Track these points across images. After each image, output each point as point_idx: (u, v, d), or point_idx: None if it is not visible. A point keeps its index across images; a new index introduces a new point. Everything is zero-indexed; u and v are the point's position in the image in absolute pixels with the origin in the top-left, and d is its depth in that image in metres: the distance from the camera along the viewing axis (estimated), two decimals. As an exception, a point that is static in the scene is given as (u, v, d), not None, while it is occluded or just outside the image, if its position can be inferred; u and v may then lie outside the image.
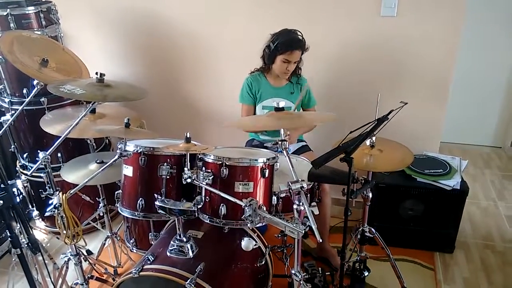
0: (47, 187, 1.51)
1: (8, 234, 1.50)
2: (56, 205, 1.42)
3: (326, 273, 2.05)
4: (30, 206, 2.54)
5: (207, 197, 1.57)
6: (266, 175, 1.55)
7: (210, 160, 1.56)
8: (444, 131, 2.48)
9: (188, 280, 1.39)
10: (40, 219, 2.61)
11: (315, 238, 1.53)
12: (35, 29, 2.18)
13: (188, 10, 2.56)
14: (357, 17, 2.29)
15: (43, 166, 1.49)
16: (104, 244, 2.18)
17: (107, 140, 2.71)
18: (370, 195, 1.82)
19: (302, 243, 2.36)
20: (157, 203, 1.50)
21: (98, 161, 1.97)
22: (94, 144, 2.29)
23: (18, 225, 1.58)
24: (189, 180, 1.51)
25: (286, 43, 2.05)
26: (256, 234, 1.76)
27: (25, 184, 2.44)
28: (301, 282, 1.39)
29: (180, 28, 2.62)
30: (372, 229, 1.92)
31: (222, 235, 1.68)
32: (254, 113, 2.28)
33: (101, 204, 2.08)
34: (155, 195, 1.59)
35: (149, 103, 2.69)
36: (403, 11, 2.21)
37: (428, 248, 2.35)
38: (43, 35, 2.17)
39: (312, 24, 2.32)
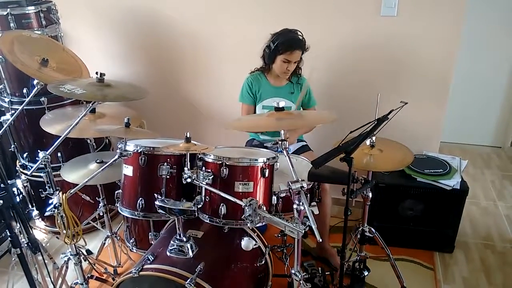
0: (47, 187, 1.51)
1: (8, 234, 1.50)
2: (56, 205, 1.42)
3: (326, 273, 2.06)
4: (30, 206, 2.54)
5: (207, 197, 1.57)
6: (266, 175, 1.55)
7: (210, 160, 1.56)
8: (444, 131, 2.48)
9: (188, 280, 1.39)
10: (40, 219, 2.61)
11: (315, 238, 1.53)
12: (35, 29, 2.18)
13: (189, 10, 2.56)
14: (357, 17, 2.29)
15: (43, 165, 1.49)
16: (104, 243, 2.18)
17: (107, 140, 2.71)
18: (370, 195, 1.82)
19: (302, 242, 2.37)
20: (157, 202, 1.50)
21: (98, 161, 1.97)
22: (94, 143, 2.29)
23: (18, 224, 1.58)
24: (189, 180, 1.51)
25: (286, 43, 2.05)
26: (256, 234, 1.76)
27: (25, 184, 2.44)
28: (301, 281, 1.39)
29: (181, 28, 2.62)
30: (372, 229, 1.93)
31: (222, 235, 1.68)
32: (254, 113, 2.28)
33: (101, 204, 2.08)
34: (155, 194, 1.59)
35: (149, 103, 2.69)
36: (403, 11, 2.21)
37: (428, 248, 2.35)
38: (43, 35, 2.17)
39: (312, 24, 2.32)
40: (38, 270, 1.82)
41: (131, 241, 2.03)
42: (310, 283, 1.62)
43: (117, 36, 2.79)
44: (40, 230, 2.53)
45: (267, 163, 1.55)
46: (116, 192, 1.78)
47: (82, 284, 1.76)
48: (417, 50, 2.28)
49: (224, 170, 1.51)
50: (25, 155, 2.41)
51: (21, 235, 1.61)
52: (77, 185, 1.54)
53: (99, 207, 2.09)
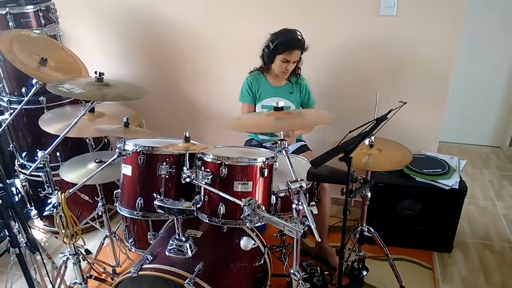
0: (45, 186, 1.51)
1: (7, 234, 1.50)
2: (55, 204, 1.42)
3: (325, 273, 2.06)
4: (28, 205, 2.54)
5: (206, 197, 1.57)
6: (265, 175, 1.55)
7: (209, 160, 1.56)
8: (443, 130, 2.48)
9: (187, 280, 1.39)
10: (39, 218, 2.60)
11: (314, 237, 1.53)
12: (34, 28, 2.18)
13: (189, 9, 2.56)
14: (357, 17, 2.29)
15: (42, 165, 1.49)
16: (103, 243, 2.18)
17: (106, 140, 2.71)
18: (369, 194, 1.82)
19: (301, 242, 2.37)
20: (156, 202, 1.50)
21: (97, 160, 1.97)
22: (93, 143, 2.29)
23: (17, 224, 1.58)
24: (188, 180, 1.51)
25: (285, 43, 2.05)
26: (255, 234, 1.76)
27: (23, 183, 2.43)
28: (300, 281, 1.39)
29: (180, 27, 2.62)
30: (371, 229, 1.93)
31: (221, 234, 1.68)
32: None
33: (100, 204, 2.08)
34: (154, 194, 1.59)
35: (148, 103, 2.68)
36: (403, 10, 2.21)
37: (427, 248, 2.36)
38: (42, 34, 2.17)
39: (311, 24, 2.32)
40: (37, 270, 1.82)
41: (130, 240, 2.02)
42: (309, 283, 1.62)
43: (116, 36, 2.78)
44: (38, 230, 2.52)
45: (266, 162, 1.55)
46: (115, 191, 1.78)
47: (81, 283, 1.76)
48: (417, 49, 2.28)
49: (223, 169, 1.51)
50: (23, 154, 2.41)
51: (20, 235, 1.61)
52: (76, 184, 1.54)
53: (98, 206, 2.09)
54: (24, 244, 1.61)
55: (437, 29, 2.20)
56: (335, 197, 2.28)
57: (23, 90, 2.21)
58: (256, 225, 1.42)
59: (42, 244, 2.12)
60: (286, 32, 2.09)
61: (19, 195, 2.35)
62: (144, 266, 1.48)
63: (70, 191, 1.49)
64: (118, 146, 1.60)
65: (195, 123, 2.89)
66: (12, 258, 1.59)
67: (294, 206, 1.29)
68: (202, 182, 1.51)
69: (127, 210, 1.71)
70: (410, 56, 2.30)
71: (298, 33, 2.09)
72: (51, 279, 1.85)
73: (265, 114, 1.71)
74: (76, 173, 1.90)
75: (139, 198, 1.66)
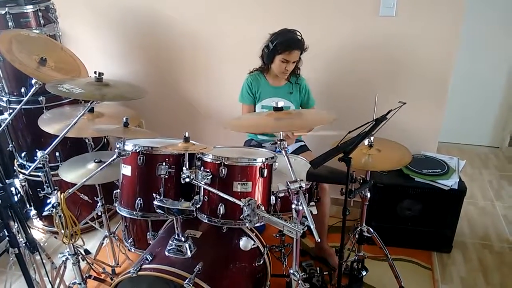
0: (45, 186, 1.51)
1: (6, 234, 1.50)
2: (54, 205, 1.42)
3: (324, 273, 2.06)
4: (28, 205, 2.53)
5: (206, 197, 1.57)
6: (265, 175, 1.55)
7: (208, 160, 1.56)
8: (442, 131, 2.48)
9: (187, 280, 1.39)
10: (38, 219, 2.60)
11: (313, 238, 1.53)
12: (34, 28, 2.17)
13: (188, 9, 2.56)
14: (356, 17, 2.29)
15: (41, 165, 1.49)
16: (102, 243, 2.18)
17: (105, 140, 2.70)
18: (368, 194, 1.82)
19: (300, 242, 2.37)
20: (155, 202, 1.50)
21: (96, 161, 1.96)
22: (92, 143, 2.29)
23: (16, 224, 1.58)
24: (187, 180, 1.50)
25: (284, 43, 2.05)
26: (254, 234, 1.77)
27: (23, 183, 2.43)
28: (299, 281, 1.39)
29: (180, 27, 2.62)
30: (370, 229, 1.93)
31: (220, 234, 1.67)
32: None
33: (99, 204, 2.08)
34: (154, 194, 1.59)
35: (148, 103, 2.68)
36: (402, 11, 2.21)
37: (426, 248, 2.36)
38: (41, 34, 2.17)
39: (311, 24, 2.32)
40: (36, 270, 1.82)
41: (129, 241, 2.02)
42: (309, 283, 1.62)
43: (116, 36, 2.78)
44: (38, 230, 2.52)
45: (266, 163, 1.55)
46: (114, 191, 1.78)
47: (80, 284, 1.76)
48: (416, 50, 2.28)
49: (223, 170, 1.51)
50: (23, 154, 2.40)
51: (19, 235, 1.61)
52: (75, 184, 1.54)
53: (97, 206, 2.09)
54: (24, 244, 1.61)
55: (436, 30, 2.20)
56: (334, 197, 2.28)
57: (23, 90, 2.21)
58: (256, 225, 1.42)
59: (42, 244, 2.12)
60: (285, 32, 2.09)
61: (19, 195, 2.36)
62: (144, 266, 1.48)
63: (70, 191, 1.49)
64: (118, 146, 1.60)
65: (194, 123, 2.89)
66: (11, 258, 1.59)
67: (293, 206, 1.29)
68: (202, 182, 1.51)
69: (127, 210, 1.71)
70: (410, 57, 2.31)
71: (298, 33, 2.09)
72: (50, 279, 1.85)
73: (265, 114, 1.71)
74: (75, 173, 1.90)
75: (139, 198, 1.66)
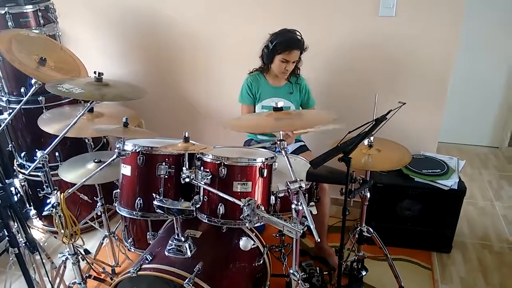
0: (44, 186, 1.51)
1: (6, 233, 1.50)
2: (54, 204, 1.42)
3: (324, 273, 2.06)
4: (27, 205, 2.53)
5: (206, 197, 1.57)
6: (265, 175, 1.54)
7: (208, 160, 1.56)
8: (442, 131, 2.48)
9: (186, 280, 1.39)
10: (38, 218, 2.60)
11: (313, 238, 1.53)
12: (33, 28, 2.17)
13: (188, 9, 2.56)
14: (356, 17, 2.29)
15: (41, 165, 1.49)
16: (102, 243, 2.18)
17: (105, 140, 2.70)
18: (368, 194, 1.82)
19: (300, 242, 2.37)
20: (155, 202, 1.50)
21: (96, 160, 1.96)
22: (92, 143, 2.29)
23: (16, 224, 1.58)
24: (187, 180, 1.50)
25: (284, 43, 2.05)
26: (254, 234, 1.77)
27: (22, 183, 2.42)
28: (299, 281, 1.39)
29: (180, 27, 2.62)
30: (370, 229, 1.93)
31: (220, 234, 1.68)
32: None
33: (99, 204, 2.08)
34: (153, 194, 1.59)
35: (147, 103, 2.68)
36: (402, 11, 2.21)
37: (426, 248, 2.36)
38: (41, 34, 2.16)
39: (311, 24, 2.33)
40: (36, 270, 1.82)
41: (129, 240, 2.02)
42: (308, 283, 1.62)
43: (115, 36, 2.78)
44: (38, 230, 2.52)
45: (266, 163, 1.55)
46: (114, 191, 1.78)
47: (80, 283, 1.76)
48: (416, 50, 2.28)
49: (223, 170, 1.51)
50: (22, 154, 2.40)
51: (19, 235, 1.61)
52: (75, 184, 1.54)
53: (97, 206, 2.09)
54: (23, 244, 1.61)
55: (436, 30, 2.20)
56: (334, 197, 2.28)
57: (22, 90, 2.21)
58: (256, 225, 1.42)
59: (41, 244, 2.12)
60: (285, 32, 2.09)
61: (18, 195, 2.36)
62: (144, 266, 1.48)
63: (70, 191, 1.49)
64: (117, 146, 1.60)
65: (194, 123, 2.89)
66: (11, 258, 1.59)
67: (293, 206, 1.29)
68: (202, 182, 1.51)
69: (126, 210, 1.71)
70: (409, 57, 2.31)
71: (298, 33, 2.09)
72: (50, 279, 1.85)
73: (265, 115, 1.71)
74: (75, 173, 1.90)
75: (138, 198, 1.66)
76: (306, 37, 2.10)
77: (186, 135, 1.50)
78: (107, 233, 2.15)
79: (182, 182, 1.51)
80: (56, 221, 1.44)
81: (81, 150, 2.23)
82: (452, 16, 2.15)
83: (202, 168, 1.57)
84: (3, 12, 2.06)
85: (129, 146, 1.64)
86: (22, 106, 1.78)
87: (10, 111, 2.21)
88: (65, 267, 1.87)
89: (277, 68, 2.14)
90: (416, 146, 2.45)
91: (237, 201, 1.38)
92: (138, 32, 2.73)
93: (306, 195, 1.72)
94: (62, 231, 1.46)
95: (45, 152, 1.49)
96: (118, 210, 1.75)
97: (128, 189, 1.70)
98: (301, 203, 1.28)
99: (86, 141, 2.25)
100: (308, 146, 2.38)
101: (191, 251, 1.56)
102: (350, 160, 1.45)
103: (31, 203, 2.53)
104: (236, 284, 1.64)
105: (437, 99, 2.37)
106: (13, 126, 2.35)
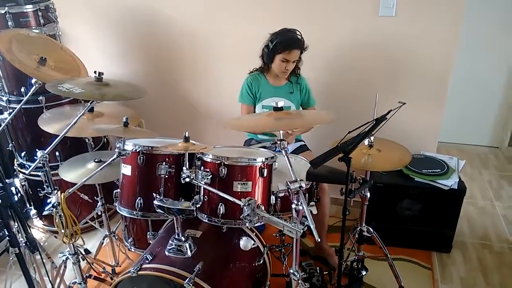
0: (45, 186, 1.51)
1: (6, 233, 1.50)
2: (55, 204, 1.42)
3: (324, 272, 2.06)
4: (28, 205, 2.53)
5: (206, 197, 1.57)
6: (265, 175, 1.55)
7: (208, 160, 1.56)
8: (442, 131, 2.49)
9: (187, 280, 1.39)
10: (38, 218, 2.60)
11: (313, 237, 1.54)
12: (33, 28, 2.17)
13: (188, 9, 2.56)
14: (356, 17, 2.29)
15: (41, 164, 1.49)
16: (102, 243, 2.18)
17: (105, 139, 2.70)
18: (368, 194, 1.82)
19: (300, 242, 2.37)
20: (155, 202, 1.50)
21: (96, 160, 1.96)
22: (92, 143, 2.29)
23: (16, 224, 1.58)
24: (187, 180, 1.51)
25: (284, 42, 2.06)
26: (254, 234, 1.77)
27: (23, 183, 2.43)
28: (299, 281, 1.39)
29: (180, 27, 2.62)
30: (370, 229, 1.93)
31: (220, 234, 1.68)
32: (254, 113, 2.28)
33: (99, 203, 2.08)
34: (154, 194, 1.59)
35: (147, 102, 2.68)
36: (402, 11, 2.21)
37: (426, 248, 2.36)
38: (41, 34, 2.16)
39: (311, 24, 2.33)
40: (36, 270, 1.82)
41: (129, 240, 2.02)
42: (308, 283, 1.62)
43: (115, 35, 2.78)
44: (38, 229, 2.52)
45: (266, 162, 1.56)
46: (114, 191, 1.78)
47: (80, 283, 1.76)
48: (416, 50, 2.28)
49: (223, 169, 1.51)
50: (23, 154, 2.40)
51: (19, 235, 1.61)
52: (75, 184, 1.54)
53: (98, 206, 2.09)
54: (24, 244, 1.61)
55: (436, 30, 2.20)
56: (334, 197, 2.28)
57: (22, 89, 2.21)
58: (256, 225, 1.42)
59: (42, 244, 2.12)
60: (285, 32, 2.09)
61: (19, 194, 2.36)
62: (144, 266, 1.49)
63: (70, 190, 1.49)
64: (118, 146, 1.60)
65: (194, 123, 2.89)
66: (11, 258, 1.59)
67: (293, 206, 1.29)
68: (202, 182, 1.51)
69: (127, 210, 1.71)
70: (409, 57, 2.31)
71: (298, 32, 2.09)
72: (50, 279, 1.85)
73: (265, 115, 1.71)
74: (75, 172, 1.90)
75: (139, 198, 1.66)
76: (306, 37, 2.10)
77: (186, 135, 1.50)
78: (107, 233, 2.15)
79: (183, 182, 1.51)
80: (57, 220, 1.44)
81: (81, 149, 2.24)
82: (452, 16, 2.15)
83: (202, 168, 1.57)
84: (3, 11, 2.06)
85: (129, 146, 1.64)
86: (22, 106, 1.78)
87: (10, 110, 2.21)
88: (65, 266, 1.88)
89: (278, 67, 2.14)
90: (416, 146, 2.45)
91: (237, 201, 1.39)
92: (138, 32, 2.73)
93: (306, 195, 1.72)
94: (63, 230, 1.46)
95: (46, 151, 1.49)
96: (118, 210, 1.75)
97: (129, 188, 1.70)
98: (301, 203, 1.28)
99: (87, 140, 2.25)
100: (308, 145, 2.38)
101: (191, 251, 1.56)
102: (350, 160, 1.45)
103: (32, 203, 2.53)
104: (236, 284, 1.65)
105: (437, 99, 2.37)
106: (13, 126, 2.35)
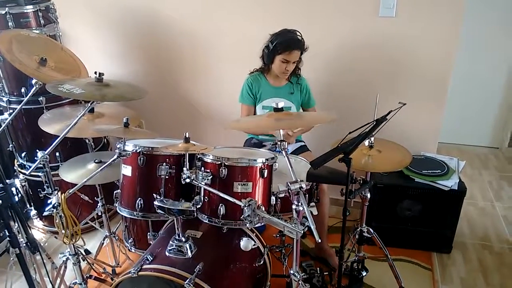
0: (45, 187, 1.51)
1: (7, 234, 1.50)
2: (55, 205, 1.42)
3: (324, 273, 2.06)
4: (28, 206, 2.53)
5: (206, 197, 1.57)
6: (265, 175, 1.55)
7: (209, 160, 1.56)
8: (442, 131, 2.49)
9: (187, 280, 1.39)
10: (38, 219, 2.60)
11: (313, 238, 1.53)
12: (34, 28, 2.17)
13: (188, 9, 2.56)
14: (356, 17, 2.29)
15: (41, 165, 1.49)
16: (103, 243, 2.18)
17: (105, 140, 2.70)
18: (368, 195, 1.82)
19: (301, 243, 2.37)
20: (156, 203, 1.50)
21: (96, 161, 1.97)
22: (92, 143, 2.29)
23: (17, 224, 1.58)
24: (188, 180, 1.51)
25: (284, 43, 2.06)
26: (254, 234, 1.77)
27: (23, 184, 2.43)
28: (300, 282, 1.39)
29: (180, 27, 2.62)
30: (370, 229, 1.93)
31: (220, 235, 1.68)
32: (255, 114, 2.28)
33: (99, 204, 2.08)
34: (154, 195, 1.59)
35: (148, 103, 2.68)
36: (402, 11, 2.21)
37: (426, 248, 2.36)
38: (41, 34, 2.17)
39: (311, 24, 2.33)
40: (37, 270, 1.82)
41: (129, 241, 2.02)
42: (309, 283, 1.62)
43: (115, 36, 2.78)
44: (38, 230, 2.52)
45: (266, 163, 1.56)
46: (114, 192, 1.78)
47: (80, 284, 1.76)
48: (416, 51, 2.28)
49: (223, 170, 1.51)
50: (23, 154, 2.41)
51: (20, 235, 1.61)
52: (75, 184, 1.54)
53: (98, 207, 2.09)
54: (24, 244, 1.61)
55: (436, 30, 2.20)
56: (334, 197, 2.28)
57: (23, 90, 2.21)
58: (256, 225, 1.42)
59: (42, 244, 2.12)
60: (285, 33, 2.09)
61: (19, 195, 2.35)
62: (144, 266, 1.49)
63: (70, 191, 1.49)
64: (118, 146, 1.60)
65: (194, 123, 2.89)
66: (12, 258, 1.59)
67: (294, 207, 1.29)
68: (202, 183, 1.51)
69: (127, 211, 1.71)
70: (409, 57, 2.31)
71: (298, 33, 2.09)
72: (51, 279, 1.85)
73: (265, 115, 1.71)
74: (75, 173, 1.90)
75: (139, 198, 1.66)
76: (306, 37, 2.10)
77: (187, 136, 1.50)
78: (107, 234, 2.15)
79: (183, 182, 1.52)
80: (57, 221, 1.44)
81: (81, 150, 2.24)
82: (452, 16, 2.16)
83: (202, 168, 1.57)
84: (3, 12, 2.06)
85: (129, 147, 1.64)
86: (23, 107, 1.78)
87: (11, 111, 2.21)
88: (65, 267, 1.88)
89: (278, 68, 2.14)
90: (417, 147, 2.45)
91: (237, 202, 1.39)
92: (138, 32, 2.73)
93: (307, 195, 1.72)
94: (63, 231, 1.46)
95: (46, 152, 1.50)
96: (118, 211, 1.75)
97: (129, 189, 1.70)
98: (301, 204, 1.28)
99: (87, 141, 2.25)
100: (309, 146, 2.38)
101: (191, 252, 1.56)
102: (350, 161, 1.45)
103: (32, 204, 2.53)
104: (237, 285, 1.65)
105: (437, 99, 2.37)
106: (13, 127, 2.35)
